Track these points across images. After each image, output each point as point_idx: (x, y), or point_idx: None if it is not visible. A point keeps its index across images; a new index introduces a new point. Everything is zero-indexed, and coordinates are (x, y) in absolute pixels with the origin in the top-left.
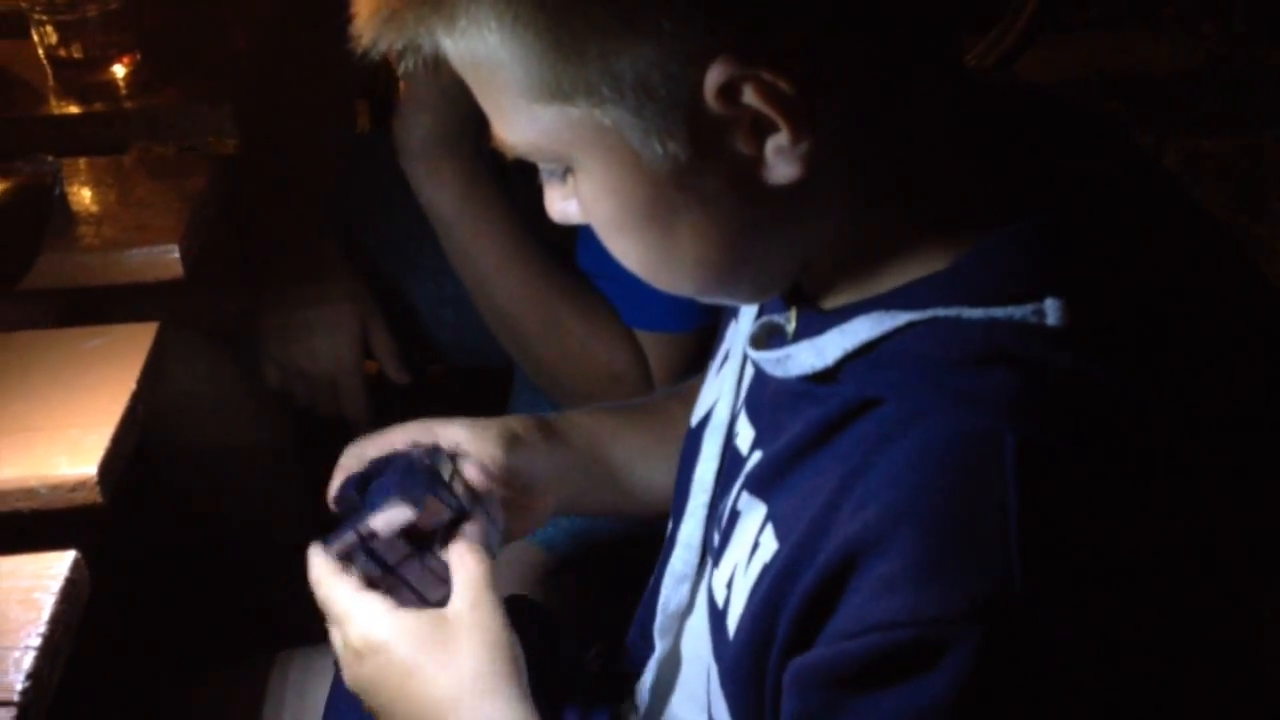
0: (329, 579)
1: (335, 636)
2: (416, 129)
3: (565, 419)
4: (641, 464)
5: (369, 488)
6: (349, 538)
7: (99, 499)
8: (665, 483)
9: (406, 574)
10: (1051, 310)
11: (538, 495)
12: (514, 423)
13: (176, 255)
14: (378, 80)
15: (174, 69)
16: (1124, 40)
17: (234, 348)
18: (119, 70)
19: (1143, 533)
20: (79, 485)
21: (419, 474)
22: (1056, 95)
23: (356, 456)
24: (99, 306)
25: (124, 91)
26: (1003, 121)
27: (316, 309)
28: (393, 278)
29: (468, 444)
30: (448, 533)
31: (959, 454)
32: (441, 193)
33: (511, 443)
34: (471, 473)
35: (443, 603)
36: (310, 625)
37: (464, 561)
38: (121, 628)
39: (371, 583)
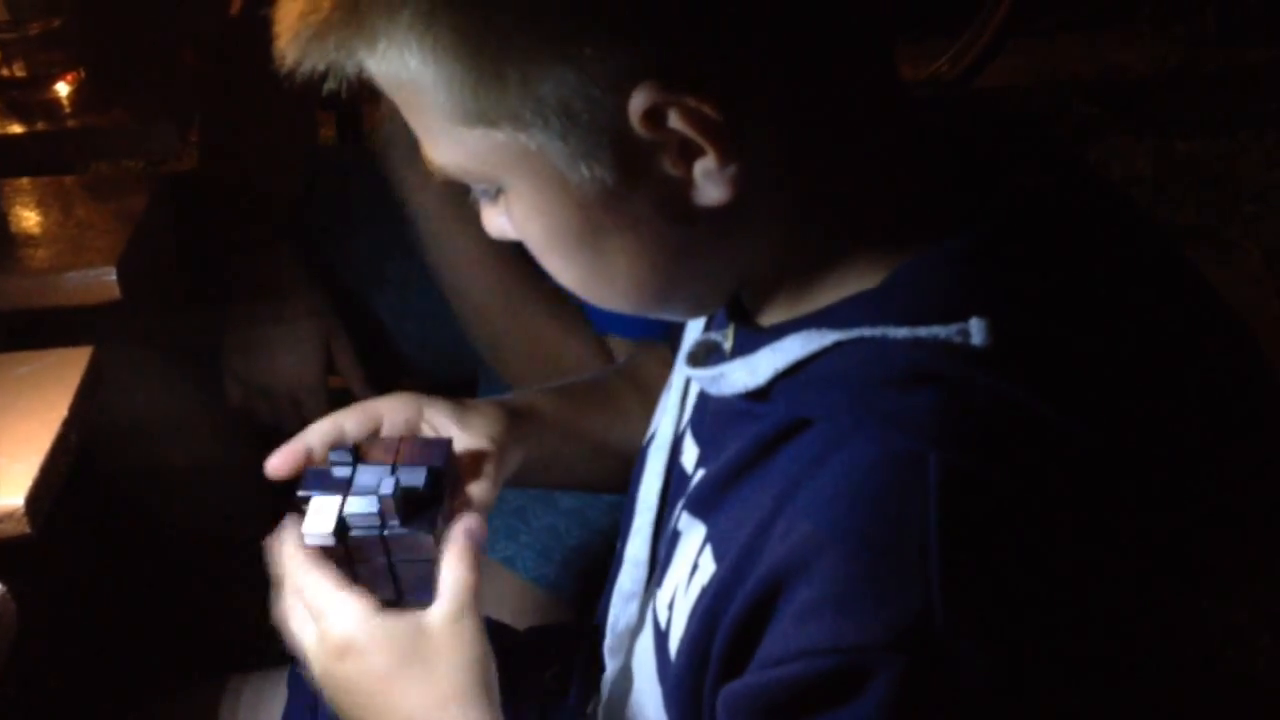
0: (306, 568)
1: (305, 629)
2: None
3: (537, 398)
4: (603, 443)
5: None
6: (327, 522)
7: (26, 530)
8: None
9: (381, 566)
10: (976, 330)
11: (504, 470)
12: (492, 405)
13: (114, 278)
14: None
15: (119, 87)
16: (1096, 43)
17: (194, 365)
18: (62, 89)
19: (1065, 557)
20: (5, 516)
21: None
22: (997, 107)
23: (333, 429)
24: (53, 326)
25: (67, 110)
26: (940, 137)
27: (278, 325)
28: (356, 292)
29: (456, 426)
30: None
31: (882, 477)
32: (425, 192)
33: (496, 424)
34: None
35: (418, 600)
36: (263, 647)
37: (457, 569)
38: (62, 657)
39: (342, 565)
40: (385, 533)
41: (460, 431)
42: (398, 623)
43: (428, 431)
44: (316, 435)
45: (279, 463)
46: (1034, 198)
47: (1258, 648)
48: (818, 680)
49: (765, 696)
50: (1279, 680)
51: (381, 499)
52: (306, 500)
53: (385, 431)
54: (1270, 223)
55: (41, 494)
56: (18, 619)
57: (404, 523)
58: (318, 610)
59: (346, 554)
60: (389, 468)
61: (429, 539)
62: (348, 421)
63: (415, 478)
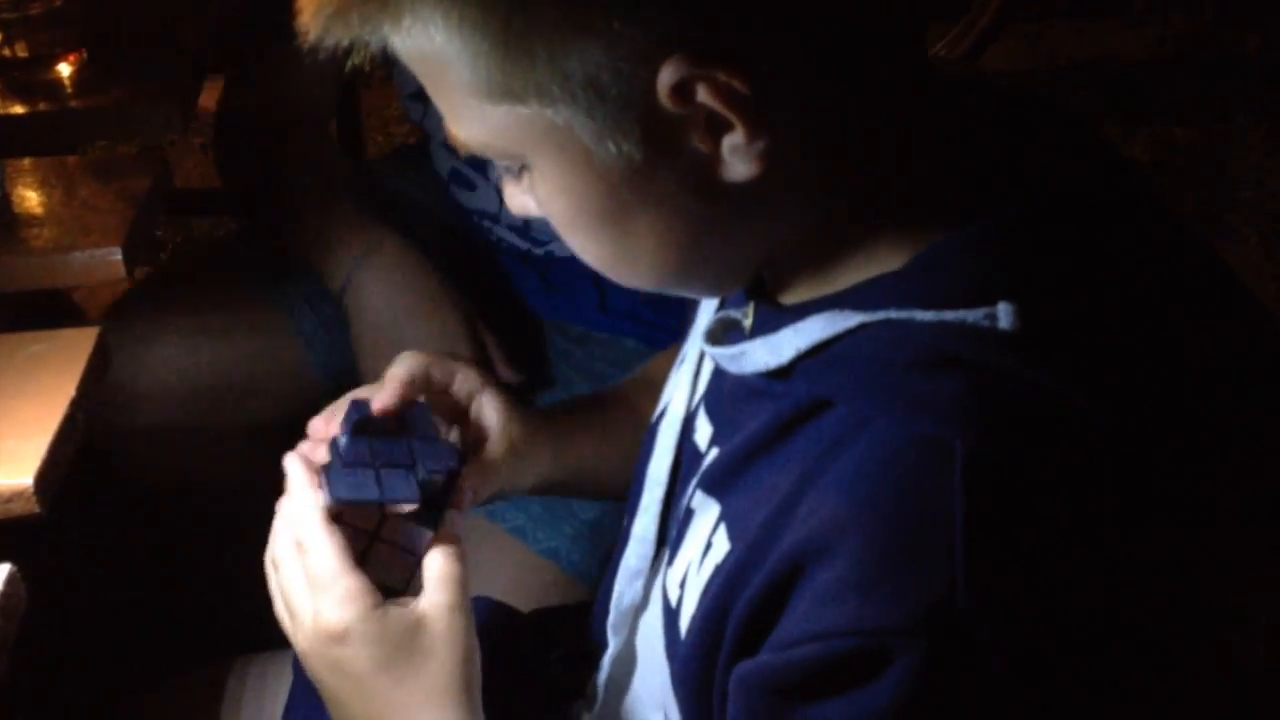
0: (321, 534)
1: (302, 601)
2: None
3: (576, 412)
4: (623, 453)
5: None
6: (352, 492)
7: (36, 509)
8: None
9: (389, 539)
10: (1004, 315)
11: (514, 482)
12: (536, 416)
13: (119, 258)
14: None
15: (121, 67)
16: (1094, 29)
17: (210, 340)
18: (65, 69)
19: (1090, 544)
20: (14, 496)
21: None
22: (1021, 89)
23: (421, 367)
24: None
25: (70, 90)
26: (966, 118)
27: (414, 315)
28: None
29: (498, 421)
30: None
31: (907, 461)
32: None
33: (530, 435)
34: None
35: (407, 580)
36: (269, 628)
37: (445, 562)
38: (71, 637)
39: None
40: (404, 512)
41: (500, 424)
42: (396, 616)
43: (474, 409)
44: (410, 368)
45: (387, 400)
46: (1058, 180)
47: (1254, 632)
48: (835, 662)
49: (780, 677)
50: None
51: (421, 479)
52: (339, 448)
53: (453, 390)
54: (1267, 208)
55: (50, 474)
56: (27, 599)
57: (419, 515)
58: (321, 584)
59: (358, 531)
60: (410, 448)
61: (428, 534)
62: (434, 368)
63: (439, 472)
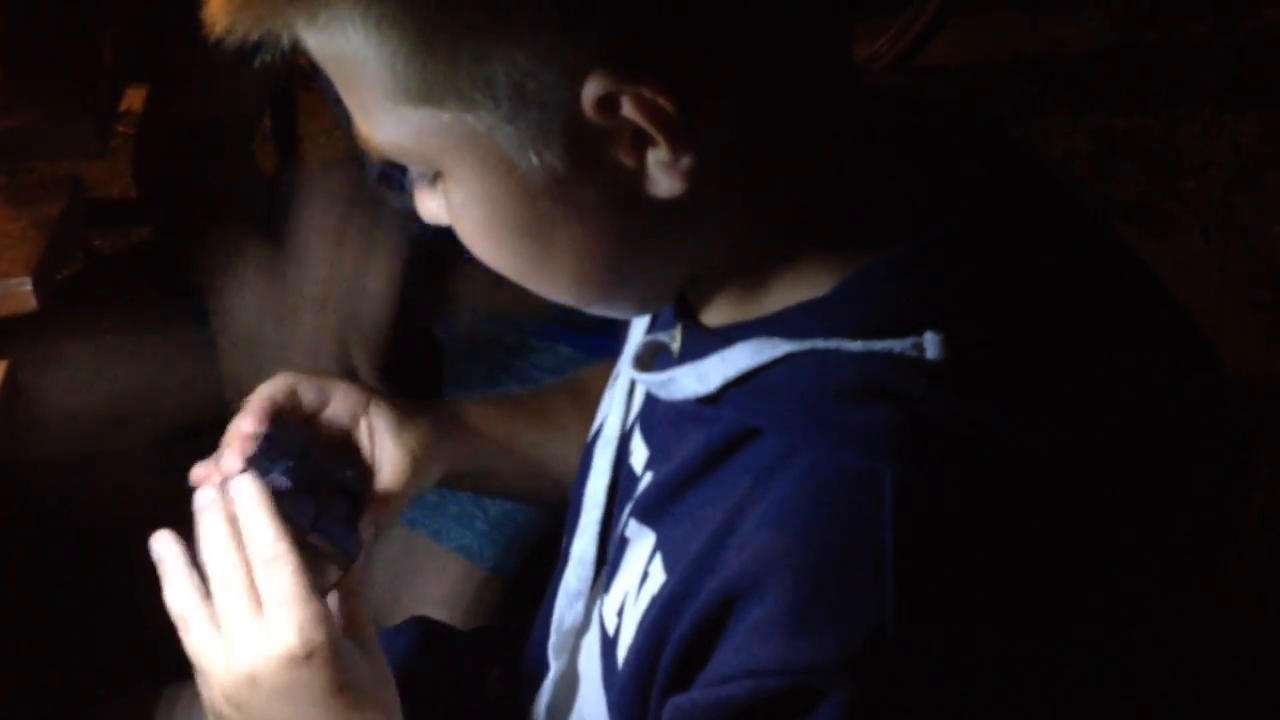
0: (294, 560)
1: (248, 625)
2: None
3: (475, 410)
4: (537, 457)
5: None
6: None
7: None
8: (559, 478)
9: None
10: (931, 345)
11: (418, 485)
12: (427, 418)
13: (29, 288)
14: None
15: (35, 87)
16: (1036, 19)
17: (127, 356)
18: None
19: (1022, 573)
20: None
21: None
22: (941, 100)
23: (289, 389)
24: None
25: None
26: (891, 135)
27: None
28: None
29: (390, 433)
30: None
31: (836, 493)
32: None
33: (425, 438)
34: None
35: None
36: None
37: (347, 607)
38: None
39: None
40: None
41: (392, 441)
42: (353, 648)
43: (363, 428)
44: (280, 388)
45: (251, 420)
46: (978, 198)
47: (1206, 643)
48: (767, 700)
49: (712, 713)
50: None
51: (329, 496)
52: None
53: (330, 412)
54: (1209, 198)
55: None
56: None
57: (340, 532)
58: (287, 604)
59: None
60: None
61: (349, 555)
62: (304, 389)
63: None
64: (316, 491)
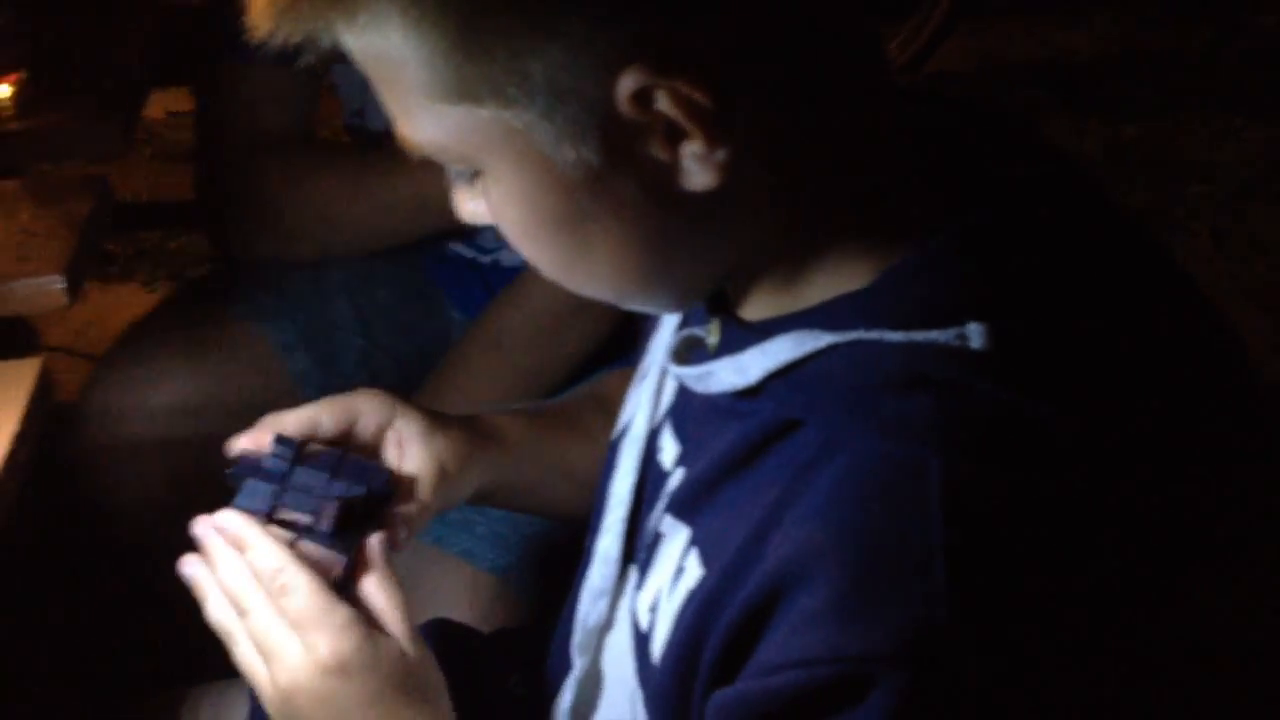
0: (304, 577)
1: (285, 639)
2: None
3: (505, 420)
4: (568, 467)
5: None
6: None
7: None
8: (587, 487)
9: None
10: (974, 335)
11: (452, 494)
12: (459, 426)
13: (61, 286)
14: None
15: (63, 88)
16: (1042, 27)
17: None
18: (4, 89)
19: (1069, 559)
20: None
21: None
22: (969, 96)
23: (310, 420)
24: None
25: (10, 113)
26: (923, 128)
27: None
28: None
29: (420, 441)
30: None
31: (883, 483)
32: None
33: (458, 446)
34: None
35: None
36: (222, 656)
37: (383, 595)
38: (17, 673)
39: None
40: (304, 541)
41: (421, 449)
42: (385, 644)
43: (392, 438)
44: (293, 422)
45: (246, 443)
46: (1019, 191)
47: (1248, 634)
48: (816, 690)
49: (760, 705)
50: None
51: (322, 500)
52: (238, 480)
53: (359, 429)
54: (1217, 202)
55: None
56: None
57: (331, 537)
58: (311, 619)
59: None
60: (327, 475)
61: (342, 560)
62: (324, 414)
63: (355, 492)
64: (305, 506)
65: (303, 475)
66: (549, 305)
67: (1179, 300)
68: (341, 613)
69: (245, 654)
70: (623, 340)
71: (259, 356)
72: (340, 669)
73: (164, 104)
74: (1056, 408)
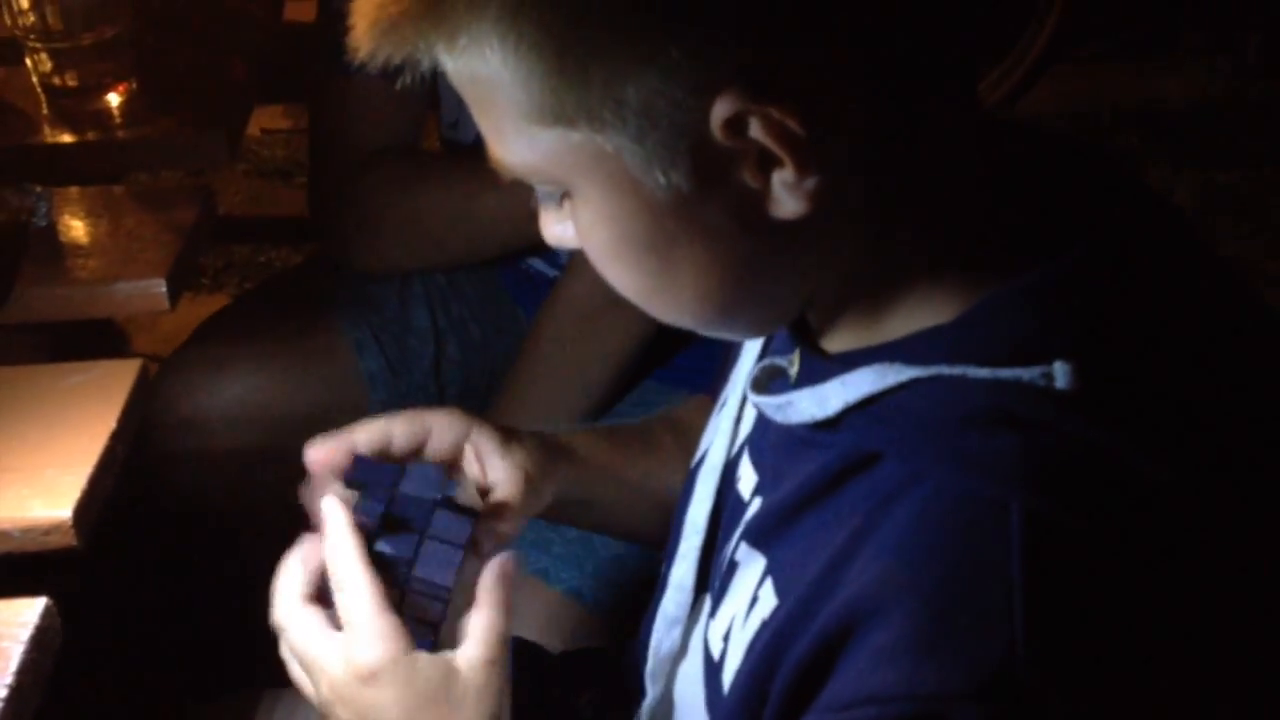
0: (361, 577)
1: (325, 644)
2: None
3: (579, 437)
4: (642, 485)
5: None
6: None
7: (73, 543)
8: (661, 508)
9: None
10: (1061, 374)
11: (534, 506)
12: (534, 438)
13: (163, 290)
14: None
15: (169, 97)
16: (1137, 73)
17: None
18: (114, 99)
19: (1151, 604)
20: (53, 529)
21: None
22: (1067, 134)
23: (383, 434)
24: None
25: (118, 120)
26: (1016, 164)
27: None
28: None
29: (499, 454)
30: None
31: (962, 520)
32: None
33: (535, 458)
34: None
35: (434, 623)
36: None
37: (490, 614)
38: (104, 670)
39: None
40: (422, 549)
41: (501, 460)
42: (427, 663)
43: (469, 453)
44: (364, 435)
45: (321, 454)
46: (1108, 230)
47: None
48: None
49: None
50: None
51: (438, 501)
52: (360, 485)
53: (432, 445)
54: None
55: (88, 507)
56: (63, 633)
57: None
58: (354, 622)
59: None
60: (441, 479)
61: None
62: (396, 428)
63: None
64: (412, 528)
65: (411, 482)
66: (583, 305)
67: (1270, 349)
68: (383, 620)
69: (292, 666)
70: (662, 350)
71: (334, 349)
72: (374, 677)
73: (259, 121)
74: (1142, 448)
